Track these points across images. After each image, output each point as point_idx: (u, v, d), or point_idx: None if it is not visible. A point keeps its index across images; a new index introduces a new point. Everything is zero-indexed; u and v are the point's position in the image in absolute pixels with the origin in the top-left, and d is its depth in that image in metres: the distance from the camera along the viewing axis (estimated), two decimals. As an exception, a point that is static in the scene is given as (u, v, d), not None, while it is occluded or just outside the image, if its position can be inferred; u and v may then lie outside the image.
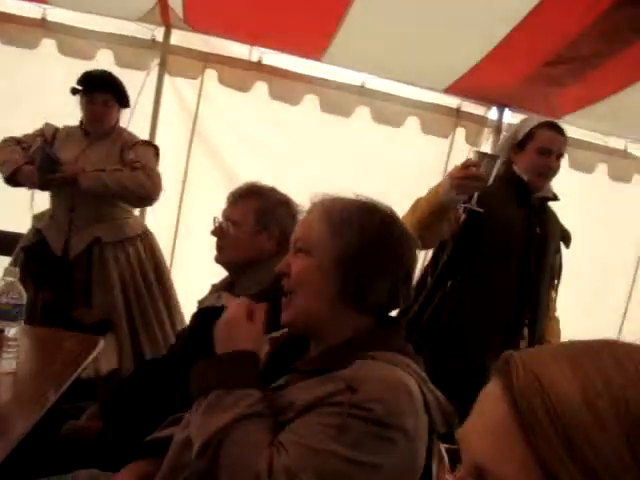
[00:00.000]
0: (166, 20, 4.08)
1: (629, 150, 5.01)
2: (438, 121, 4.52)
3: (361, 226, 1.39)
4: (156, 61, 4.16)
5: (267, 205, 2.09)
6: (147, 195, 3.27)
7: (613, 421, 0.54)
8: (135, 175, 3.22)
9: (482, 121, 4.67)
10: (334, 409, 1.22)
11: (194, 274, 3.91)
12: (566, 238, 3.01)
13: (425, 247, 2.68)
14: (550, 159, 2.74)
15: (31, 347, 2.20)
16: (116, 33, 4.07)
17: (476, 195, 2.33)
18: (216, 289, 2.18)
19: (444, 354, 2.60)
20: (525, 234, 2.75)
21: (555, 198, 2.88)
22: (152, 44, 4.15)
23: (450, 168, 4.57)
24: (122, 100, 3.43)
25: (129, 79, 3.61)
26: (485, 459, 0.58)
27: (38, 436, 1.76)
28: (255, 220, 2.08)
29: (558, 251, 2.95)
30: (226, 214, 2.13)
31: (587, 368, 0.58)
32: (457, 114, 4.58)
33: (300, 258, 1.42)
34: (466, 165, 2.25)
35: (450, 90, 4.39)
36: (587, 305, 5.03)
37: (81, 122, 3.45)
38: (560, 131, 2.80)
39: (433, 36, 3.70)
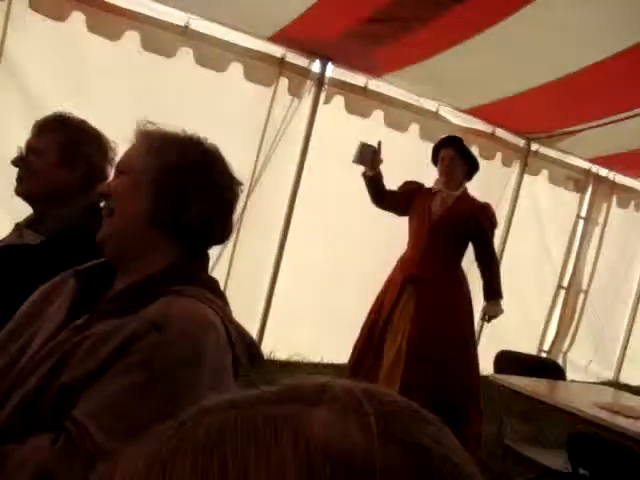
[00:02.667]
0: None
1: (440, 112, 5.32)
2: (261, 69, 4.53)
3: (181, 150, 1.40)
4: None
5: (73, 137, 1.98)
6: None
7: None
8: None
9: (305, 73, 4.73)
10: (138, 358, 1.21)
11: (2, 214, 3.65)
12: None
13: None
14: None
15: None
16: None
17: None
18: (19, 227, 2.06)
19: None
20: None
21: None
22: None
23: (272, 117, 4.72)
24: None
25: None
26: None
27: None
28: (59, 152, 1.96)
29: None
30: (29, 144, 2.01)
31: None
32: (280, 64, 4.60)
33: (119, 178, 1.42)
34: None
35: (274, 39, 4.40)
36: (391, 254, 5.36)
37: None
38: None
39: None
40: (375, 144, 3.95)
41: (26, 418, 1.25)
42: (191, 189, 1.38)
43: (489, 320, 4.24)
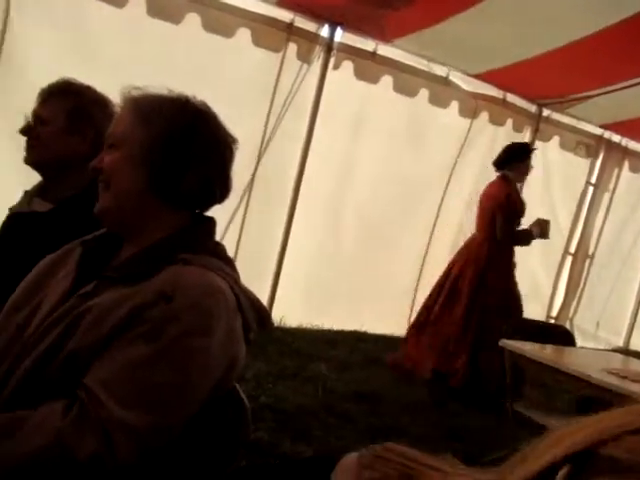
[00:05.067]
0: None
1: (450, 78, 5.26)
2: (270, 34, 4.47)
3: (171, 116, 1.37)
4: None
5: (81, 104, 1.96)
6: None
7: None
8: None
9: (314, 38, 4.68)
10: (148, 328, 1.22)
11: (10, 182, 3.65)
12: None
13: None
14: None
15: None
16: None
17: None
18: (27, 195, 2.06)
19: None
20: None
21: None
22: None
23: (281, 83, 4.68)
24: None
25: None
26: None
27: None
28: (66, 119, 1.95)
29: None
30: (36, 112, 1.99)
31: None
32: (289, 29, 4.55)
33: (111, 152, 1.39)
34: None
35: (283, 3, 4.35)
36: (395, 221, 5.38)
37: None
38: None
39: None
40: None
41: (35, 385, 1.26)
42: (186, 155, 1.36)
43: None
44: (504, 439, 3.47)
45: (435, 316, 4.69)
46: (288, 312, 4.98)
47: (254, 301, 1.40)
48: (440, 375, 4.56)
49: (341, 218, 5.28)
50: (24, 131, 1.99)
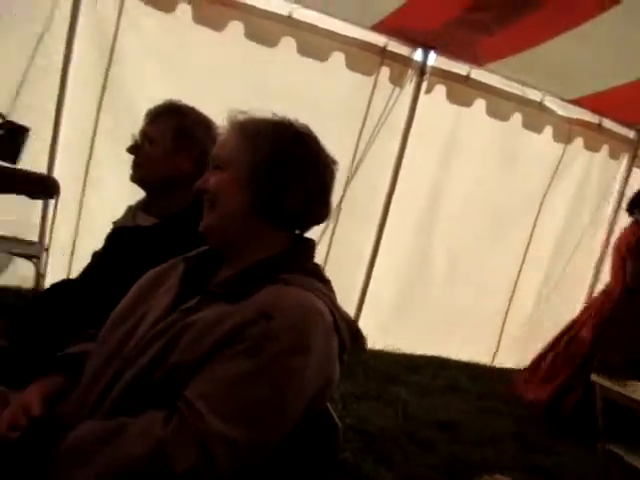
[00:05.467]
0: None
1: (544, 102, 5.17)
2: (363, 58, 4.52)
3: (275, 138, 1.41)
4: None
5: (186, 124, 2.03)
6: None
7: None
8: None
9: (407, 62, 4.70)
10: (248, 345, 1.24)
11: (113, 197, 3.82)
12: None
13: None
14: None
15: None
16: None
17: None
18: (131, 210, 2.14)
19: None
20: None
21: None
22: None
23: (373, 106, 4.70)
24: None
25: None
26: None
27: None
28: (173, 138, 2.01)
29: None
30: (143, 131, 2.07)
31: None
32: (382, 53, 4.58)
33: (217, 173, 1.43)
34: None
35: (377, 28, 4.38)
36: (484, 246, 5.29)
37: None
38: None
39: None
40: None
41: (136, 397, 1.29)
42: (289, 177, 1.39)
43: None
44: (592, 477, 3.35)
45: (554, 355, 4.62)
46: (372, 334, 4.96)
47: (350, 322, 1.42)
48: (553, 410, 4.46)
49: (429, 241, 5.24)
50: (131, 150, 2.07)
